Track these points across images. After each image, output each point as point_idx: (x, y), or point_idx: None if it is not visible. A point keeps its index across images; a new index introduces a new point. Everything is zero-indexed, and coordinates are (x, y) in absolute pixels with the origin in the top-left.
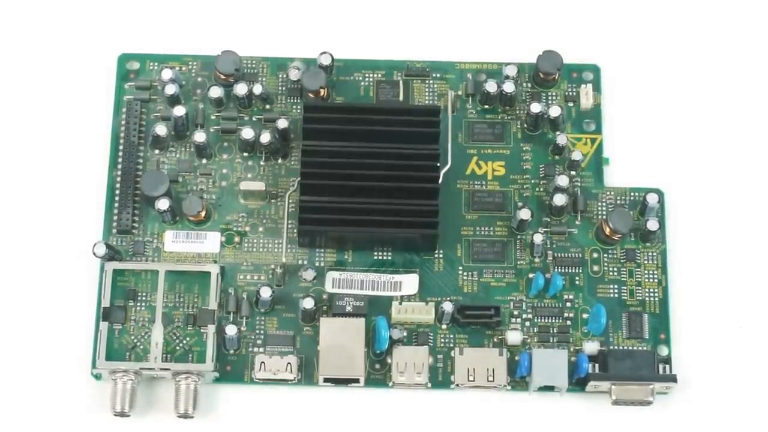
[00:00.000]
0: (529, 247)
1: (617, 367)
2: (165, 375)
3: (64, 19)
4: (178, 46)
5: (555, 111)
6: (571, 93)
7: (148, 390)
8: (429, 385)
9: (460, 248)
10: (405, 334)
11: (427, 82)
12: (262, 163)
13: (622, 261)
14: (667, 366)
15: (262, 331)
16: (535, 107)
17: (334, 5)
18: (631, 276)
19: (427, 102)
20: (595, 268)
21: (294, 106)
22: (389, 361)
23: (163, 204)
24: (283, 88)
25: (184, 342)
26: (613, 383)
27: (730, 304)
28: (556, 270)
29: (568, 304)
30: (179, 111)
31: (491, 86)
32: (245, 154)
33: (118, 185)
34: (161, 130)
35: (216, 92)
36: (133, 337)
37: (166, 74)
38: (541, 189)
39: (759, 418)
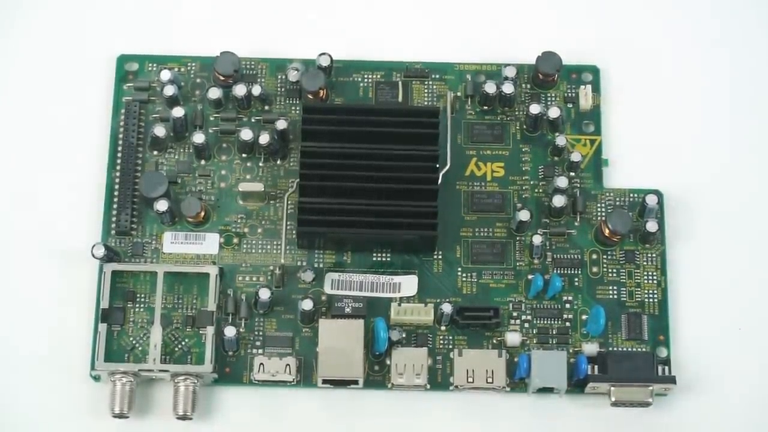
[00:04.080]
0: (528, 248)
1: (616, 368)
2: (164, 376)
3: (63, 20)
4: (177, 47)
5: (554, 112)
6: (570, 94)
7: (146, 391)
8: (428, 386)
9: (459, 249)
10: (404, 335)
11: (426, 83)
12: (261, 164)
13: (621, 262)
14: (666, 367)
15: (261, 333)
16: (535, 108)
17: (333, 6)
18: (631, 277)
19: (426, 103)
20: (595, 269)
21: (293, 107)
22: (388, 362)
23: (162, 205)
24: (282, 89)
25: (183, 343)
26: (613, 385)
27: (729, 305)
28: (555, 271)
29: (568, 306)
30: (178, 112)
31: (490, 87)
32: (244, 155)
33: (116, 186)
34: (160, 131)
35: (215, 93)
36: (131, 339)
37: (165, 75)
38: (541, 190)
39: (758, 419)
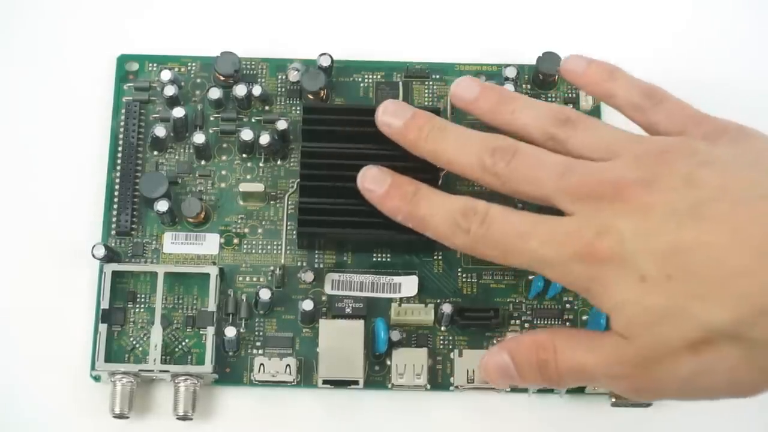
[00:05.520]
0: None
1: None
2: (164, 377)
3: (64, 20)
4: (178, 47)
5: None
6: (570, 94)
7: (147, 392)
8: (428, 386)
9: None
10: (404, 335)
11: (426, 83)
12: (261, 164)
13: None
14: None
15: (261, 333)
16: None
17: (333, 6)
18: None
19: (426, 103)
20: None
21: (293, 108)
22: (388, 362)
23: (162, 205)
24: (283, 90)
25: (184, 344)
26: None
27: None
28: None
29: (568, 306)
30: (178, 112)
31: None
32: (244, 155)
33: (117, 186)
34: (160, 131)
35: (215, 93)
36: (132, 339)
37: (166, 75)
38: None
39: (758, 419)
